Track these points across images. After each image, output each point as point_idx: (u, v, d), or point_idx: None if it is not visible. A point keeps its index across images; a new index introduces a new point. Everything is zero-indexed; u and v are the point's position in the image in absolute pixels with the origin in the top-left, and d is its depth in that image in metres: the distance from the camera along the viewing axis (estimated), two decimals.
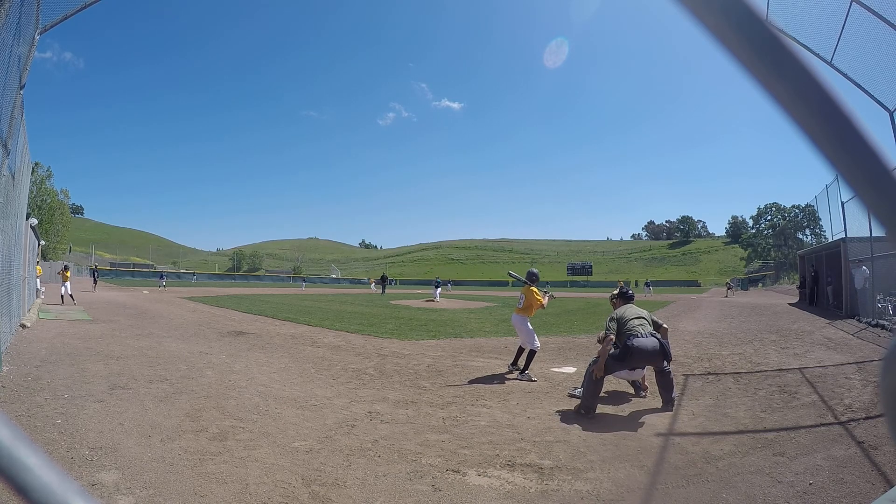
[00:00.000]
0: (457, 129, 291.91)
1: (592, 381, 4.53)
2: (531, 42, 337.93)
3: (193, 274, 67.38)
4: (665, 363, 4.66)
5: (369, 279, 52.52)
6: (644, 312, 4.91)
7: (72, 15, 6.37)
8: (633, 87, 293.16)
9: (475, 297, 29.22)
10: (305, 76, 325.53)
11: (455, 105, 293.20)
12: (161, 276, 40.22)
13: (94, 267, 35.10)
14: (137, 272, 65.50)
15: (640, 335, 4.65)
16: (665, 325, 4.87)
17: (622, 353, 4.64)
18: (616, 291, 5.43)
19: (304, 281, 56.88)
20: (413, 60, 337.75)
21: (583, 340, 9.11)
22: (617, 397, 5.01)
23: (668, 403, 4.65)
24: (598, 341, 5.39)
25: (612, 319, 4.84)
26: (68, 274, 16.72)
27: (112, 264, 72.88)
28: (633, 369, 4.73)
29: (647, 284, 40.71)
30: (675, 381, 4.91)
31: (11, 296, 7.33)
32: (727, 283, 39.74)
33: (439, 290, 26.63)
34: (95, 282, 28.22)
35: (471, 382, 5.62)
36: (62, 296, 15.93)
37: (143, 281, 50.96)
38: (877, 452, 3.32)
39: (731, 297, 29.48)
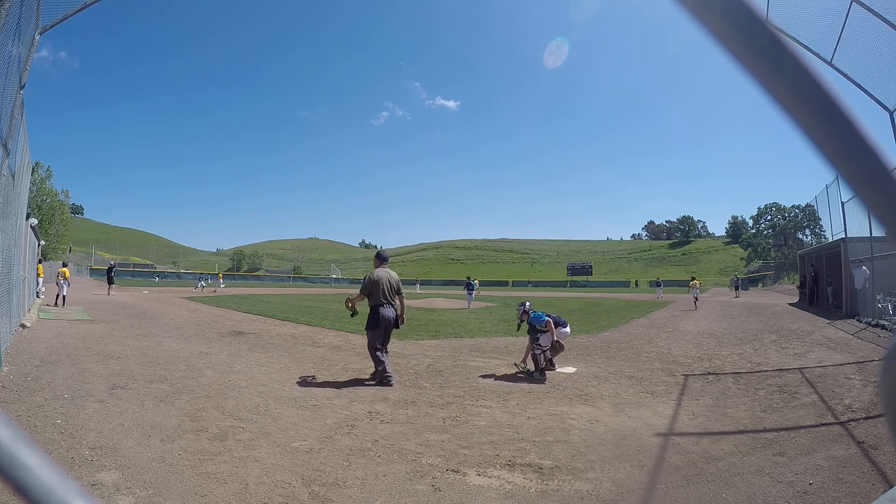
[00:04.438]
0: (454, 128, 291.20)
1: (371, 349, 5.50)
2: (527, 40, 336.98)
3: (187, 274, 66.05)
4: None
5: (211, 278, 42.19)
6: (394, 276, 5.62)
7: (72, 15, 6.37)
8: (633, 87, 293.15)
9: (475, 296, 29.16)
10: (298, 76, 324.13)
11: (451, 104, 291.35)
12: (199, 278, 37.34)
13: (109, 266, 28.12)
14: (138, 272, 65.33)
15: (384, 304, 5.46)
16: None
17: (375, 320, 5.42)
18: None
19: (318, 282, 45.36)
20: (404, 59, 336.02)
21: (582, 340, 9.11)
22: (616, 397, 5.01)
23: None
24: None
25: (371, 282, 5.50)
26: (67, 272, 15.31)
27: (112, 264, 72.71)
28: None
29: (657, 284, 31.90)
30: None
31: (11, 296, 7.34)
32: (733, 278, 34.40)
33: (473, 293, 22.13)
34: (111, 283, 24.15)
35: (471, 382, 5.63)
36: (63, 296, 14.68)
37: (143, 281, 50.74)
38: (877, 452, 3.32)
39: (741, 298, 26.97)
